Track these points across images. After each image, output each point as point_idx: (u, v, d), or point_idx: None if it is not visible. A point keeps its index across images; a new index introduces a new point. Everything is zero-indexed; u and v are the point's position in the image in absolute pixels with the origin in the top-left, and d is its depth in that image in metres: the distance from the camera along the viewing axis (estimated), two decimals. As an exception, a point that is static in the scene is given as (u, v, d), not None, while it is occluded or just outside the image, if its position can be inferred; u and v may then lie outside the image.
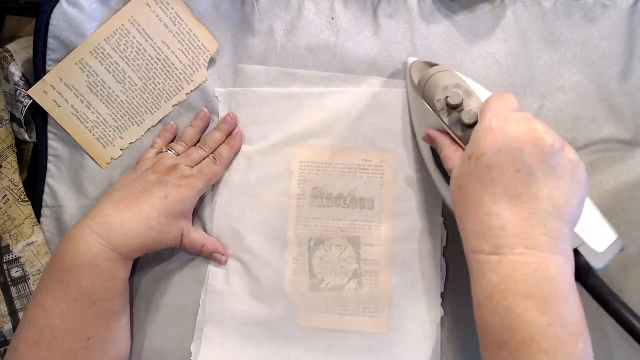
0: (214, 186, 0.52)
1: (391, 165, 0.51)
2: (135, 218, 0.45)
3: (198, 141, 0.53)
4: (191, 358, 0.50)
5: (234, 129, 0.52)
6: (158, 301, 0.52)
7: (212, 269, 0.52)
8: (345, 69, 0.51)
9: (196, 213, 0.52)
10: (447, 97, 0.41)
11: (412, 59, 0.49)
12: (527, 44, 0.50)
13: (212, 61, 0.53)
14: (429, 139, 0.44)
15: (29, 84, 0.53)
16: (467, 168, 0.36)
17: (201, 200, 0.52)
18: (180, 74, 0.53)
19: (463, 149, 0.40)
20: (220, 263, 0.51)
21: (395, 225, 0.50)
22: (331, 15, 0.51)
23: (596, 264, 0.38)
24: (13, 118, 0.54)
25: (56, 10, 0.50)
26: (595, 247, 0.38)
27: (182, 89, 0.53)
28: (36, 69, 0.52)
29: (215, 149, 0.52)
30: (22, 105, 0.51)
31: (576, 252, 0.37)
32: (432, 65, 0.46)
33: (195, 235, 0.50)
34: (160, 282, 0.52)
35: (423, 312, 0.49)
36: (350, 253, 0.50)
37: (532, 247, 0.33)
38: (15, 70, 0.52)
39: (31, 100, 0.52)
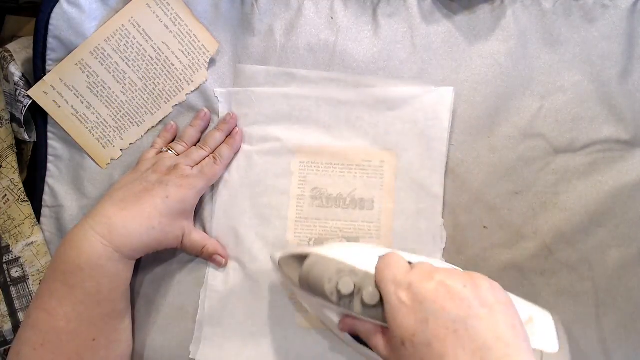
0: (213, 186, 0.52)
1: (391, 166, 0.51)
2: (137, 218, 0.45)
3: (198, 141, 0.53)
4: (190, 357, 0.50)
5: (234, 129, 0.52)
6: (158, 301, 0.52)
7: (211, 269, 0.52)
8: (345, 69, 0.51)
9: (196, 213, 0.52)
10: (337, 288, 0.38)
11: (277, 255, 0.44)
12: (527, 44, 0.50)
13: (212, 61, 0.53)
14: (348, 329, 0.40)
15: (29, 84, 0.53)
16: (406, 355, 0.33)
17: (201, 200, 0.52)
18: (181, 74, 0.53)
19: (385, 327, 0.37)
20: (220, 266, 0.51)
21: (395, 226, 0.50)
22: (331, 15, 0.51)
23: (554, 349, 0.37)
24: (13, 118, 0.54)
25: (56, 10, 0.50)
26: (549, 348, 0.38)
27: (182, 89, 0.53)
28: (36, 69, 0.52)
29: (216, 149, 0.52)
30: (22, 105, 0.51)
31: None
32: (300, 256, 0.42)
33: (197, 236, 0.50)
34: (160, 283, 0.52)
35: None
36: (350, 253, 0.50)
37: None
38: (15, 70, 0.52)
39: (31, 101, 0.52)
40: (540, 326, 0.39)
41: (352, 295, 0.38)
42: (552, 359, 0.37)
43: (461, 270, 0.37)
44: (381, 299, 0.36)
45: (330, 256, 0.40)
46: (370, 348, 0.39)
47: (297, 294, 0.45)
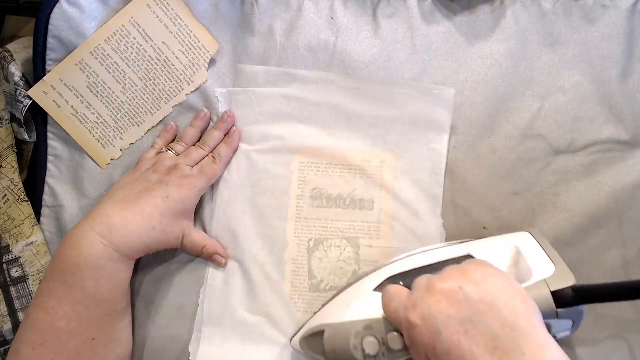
0: (213, 186, 0.52)
1: (391, 166, 0.51)
2: (137, 218, 0.45)
3: (198, 141, 0.53)
4: (190, 359, 0.50)
5: (232, 128, 0.52)
6: (158, 301, 0.52)
7: (212, 269, 0.52)
8: (345, 69, 0.51)
9: (196, 213, 0.52)
10: (364, 351, 0.39)
11: (296, 341, 0.45)
12: (527, 44, 0.50)
13: (212, 62, 0.53)
14: None
15: (29, 84, 0.53)
16: None
17: (201, 200, 0.52)
18: (181, 75, 0.53)
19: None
20: (220, 265, 0.51)
21: (395, 226, 0.50)
22: (331, 15, 0.51)
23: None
24: (13, 118, 0.54)
25: (56, 10, 0.50)
26: (547, 271, 0.39)
27: (183, 90, 0.53)
28: (36, 69, 0.52)
29: (215, 148, 0.52)
30: (22, 105, 0.51)
31: (554, 293, 0.38)
32: (314, 333, 0.43)
33: (197, 236, 0.50)
34: (160, 283, 0.52)
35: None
36: (349, 254, 0.50)
37: None
38: (16, 71, 0.52)
39: (31, 101, 0.52)
40: (529, 253, 0.41)
41: (379, 350, 0.39)
42: (556, 278, 0.38)
43: (456, 264, 0.38)
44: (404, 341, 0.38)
45: (339, 320, 0.41)
46: None
47: None
